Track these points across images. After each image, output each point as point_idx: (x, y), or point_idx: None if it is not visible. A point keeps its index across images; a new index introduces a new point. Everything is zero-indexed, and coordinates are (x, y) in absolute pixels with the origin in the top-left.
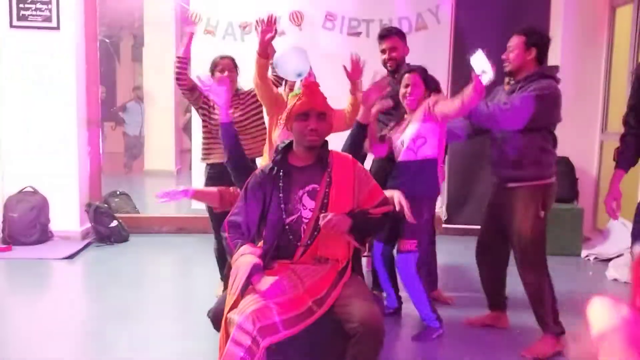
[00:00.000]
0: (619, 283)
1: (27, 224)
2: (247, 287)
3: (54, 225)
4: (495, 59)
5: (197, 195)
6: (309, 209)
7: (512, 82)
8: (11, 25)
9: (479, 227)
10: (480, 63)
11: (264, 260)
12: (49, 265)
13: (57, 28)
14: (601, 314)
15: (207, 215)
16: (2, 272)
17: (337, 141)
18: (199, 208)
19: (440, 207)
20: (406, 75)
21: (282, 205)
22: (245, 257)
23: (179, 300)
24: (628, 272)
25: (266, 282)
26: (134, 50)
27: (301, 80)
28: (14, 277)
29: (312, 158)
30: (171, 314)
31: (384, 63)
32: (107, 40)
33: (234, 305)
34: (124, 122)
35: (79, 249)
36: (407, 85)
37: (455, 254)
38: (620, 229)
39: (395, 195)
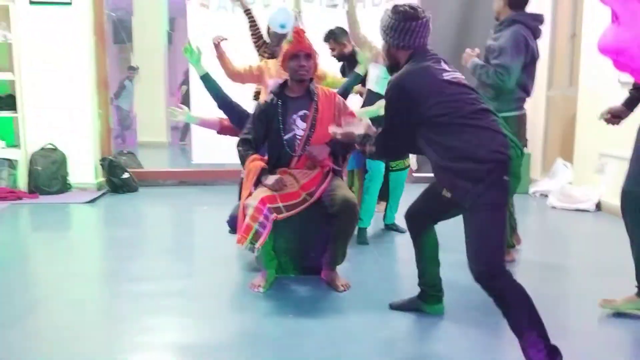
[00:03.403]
0: (556, 209)
1: (49, 176)
2: (258, 183)
3: (72, 178)
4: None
5: (201, 122)
6: (301, 129)
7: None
8: (30, 2)
9: None
10: None
11: (268, 166)
12: (72, 208)
13: (70, 3)
14: None
15: (205, 169)
16: (34, 213)
17: None
18: (199, 163)
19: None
20: None
21: (281, 126)
22: (255, 163)
23: (186, 232)
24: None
25: (271, 179)
26: (117, 31)
27: (292, 30)
28: (44, 217)
29: (302, 90)
30: (180, 241)
31: None
32: (113, 15)
33: (248, 196)
34: (117, 98)
35: (96, 196)
36: None
37: None
38: (561, 170)
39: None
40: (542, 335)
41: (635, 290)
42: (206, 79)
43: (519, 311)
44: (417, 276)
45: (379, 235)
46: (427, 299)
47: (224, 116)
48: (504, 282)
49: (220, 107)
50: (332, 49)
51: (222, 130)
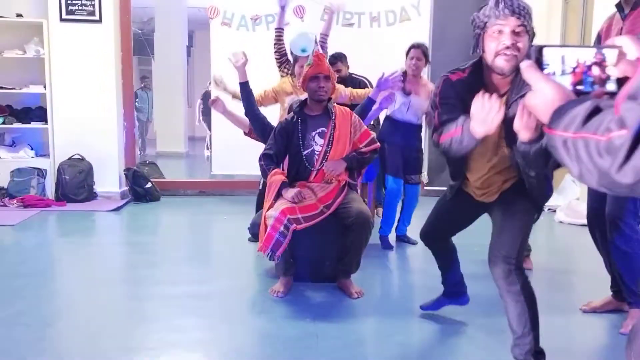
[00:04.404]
0: (563, 224)
1: (76, 185)
2: (278, 195)
3: (98, 187)
4: (467, 45)
5: (231, 115)
6: (319, 145)
7: None
8: (61, 19)
9: None
10: None
11: (288, 179)
12: (99, 216)
13: (100, 21)
14: None
15: (224, 179)
16: (62, 220)
17: None
18: (218, 174)
19: (423, 172)
20: (412, 49)
21: (301, 142)
22: (276, 177)
23: (207, 239)
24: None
25: (291, 192)
26: (142, 44)
27: (312, 54)
28: (72, 223)
29: (321, 109)
30: (202, 248)
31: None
32: (139, 31)
33: (270, 207)
34: (135, 109)
35: (121, 205)
36: (412, 58)
37: None
38: (570, 186)
39: None
40: (536, 338)
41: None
42: (244, 86)
43: (527, 309)
44: (442, 278)
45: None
46: (452, 295)
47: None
48: (523, 279)
49: (246, 114)
50: (339, 70)
51: (250, 132)
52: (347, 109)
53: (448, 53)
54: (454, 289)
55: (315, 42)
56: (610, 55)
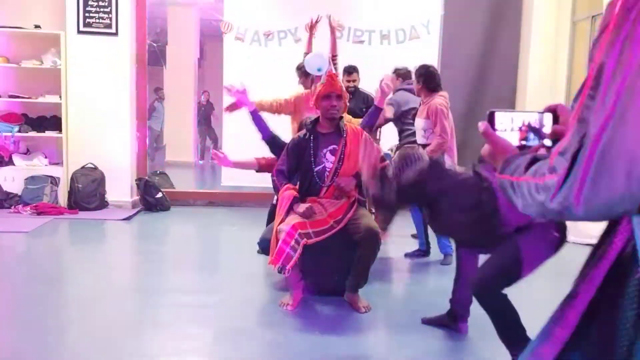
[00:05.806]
0: (568, 243)
1: (89, 193)
2: (290, 210)
3: (110, 196)
4: (475, 63)
5: (237, 164)
6: (330, 162)
7: None
8: (78, 31)
9: None
10: None
11: (299, 194)
12: (110, 224)
13: (116, 34)
14: None
15: (232, 190)
16: (74, 228)
17: None
18: (227, 185)
19: None
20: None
21: (312, 159)
22: (287, 192)
23: (217, 249)
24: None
25: (302, 207)
26: (156, 56)
27: (325, 73)
28: (84, 232)
29: (333, 127)
30: (212, 258)
31: None
32: (155, 44)
33: (281, 222)
34: (149, 119)
35: (132, 214)
36: None
37: None
38: None
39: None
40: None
41: None
42: (254, 114)
43: (507, 325)
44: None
45: (399, 262)
46: (454, 316)
47: (258, 155)
48: (493, 300)
49: (263, 138)
50: (354, 81)
51: (261, 168)
52: (358, 127)
53: (457, 71)
54: (458, 310)
55: (329, 62)
56: (547, 118)
